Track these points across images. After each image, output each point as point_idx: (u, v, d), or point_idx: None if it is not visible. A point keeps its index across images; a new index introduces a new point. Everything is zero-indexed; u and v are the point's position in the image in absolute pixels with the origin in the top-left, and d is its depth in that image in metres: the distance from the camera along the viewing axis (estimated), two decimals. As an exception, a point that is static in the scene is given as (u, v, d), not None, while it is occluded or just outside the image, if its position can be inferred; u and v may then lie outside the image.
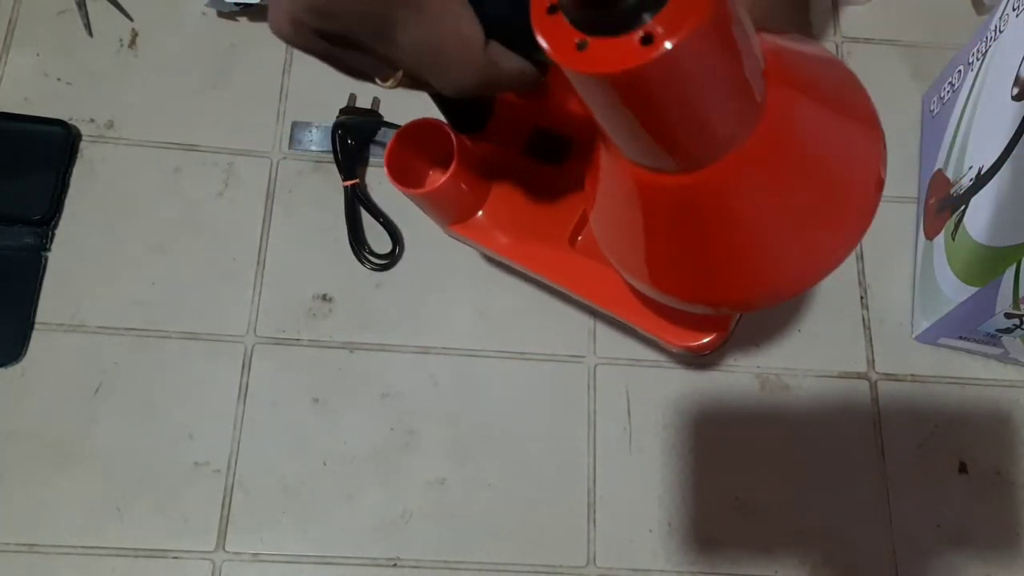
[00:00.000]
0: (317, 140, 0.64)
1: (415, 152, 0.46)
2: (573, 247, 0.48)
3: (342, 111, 0.64)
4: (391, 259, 0.61)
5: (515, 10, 0.28)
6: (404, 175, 0.46)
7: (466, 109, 0.41)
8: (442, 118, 0.41)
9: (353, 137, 0.63)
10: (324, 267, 0.61)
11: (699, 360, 0.60)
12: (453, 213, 0.47)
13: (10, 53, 0.65)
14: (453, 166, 0.44)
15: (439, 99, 0.39)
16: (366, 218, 0.62)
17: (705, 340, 0.48)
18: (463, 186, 0.45)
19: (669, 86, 0.25)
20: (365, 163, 0.64)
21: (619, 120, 0.28)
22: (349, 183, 0.61)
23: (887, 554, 0.57)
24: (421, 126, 0.45)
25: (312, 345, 0.59)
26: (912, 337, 0.63)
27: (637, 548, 0.56)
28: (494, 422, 0.58)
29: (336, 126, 0.63)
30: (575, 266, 0.47)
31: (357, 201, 0.61)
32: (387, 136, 0.64)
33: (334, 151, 0.62)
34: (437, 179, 0.45)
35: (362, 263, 0.60)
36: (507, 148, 0.46)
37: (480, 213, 0.49)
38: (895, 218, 0.66)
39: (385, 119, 0.64)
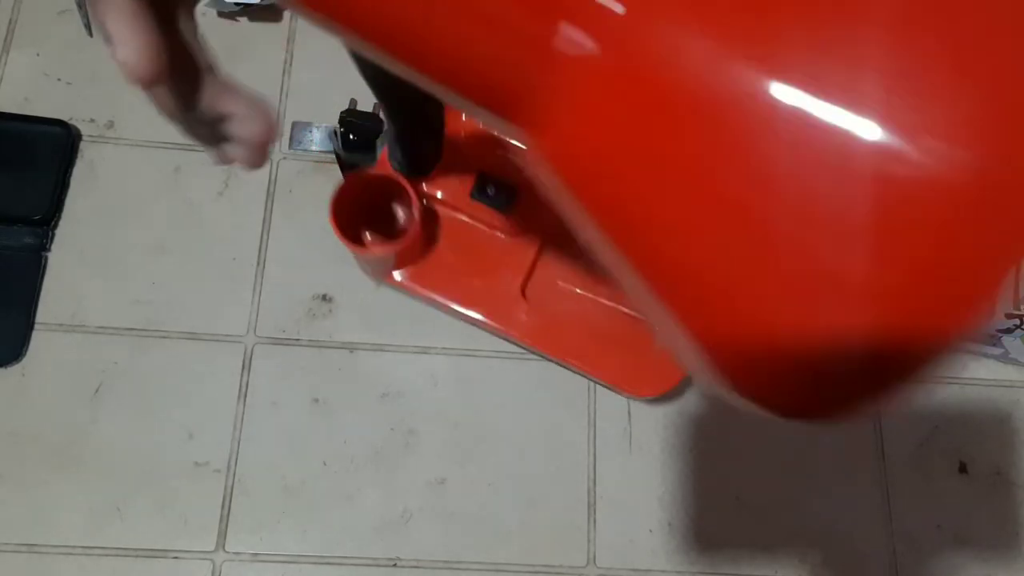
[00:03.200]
0: (317, 140, 0.64)
1: (356, 205, 0.45)
2: (525, 298, 0.46)
3: (344, 114, 0.63)
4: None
5: None
6: (350, 229, 0.44)
7: (415, 152, 0.40)
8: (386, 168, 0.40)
9: (357, 138, 0.63)
10: (324, 267, 0.61)
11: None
12: (401, 261, 0.45)
13: (10, 53, 0.65)
14: (416, 220, 0.42)
15: (400, 140, 0.39)
16: (366, 218, 0.62)
17: (664, 390, 0.46)
18: (417, 238, 0.44)
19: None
20: (370, 165, 0.64)
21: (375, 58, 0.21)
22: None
23: (887, 554, 0.57)
24: (364, 178, 0.43)
25: (312, 345, 0.59)
26: (912, 337, 0.63)
27: (637, 548, 0.56)
28: (494, 422, 0.58)
29: (340, 127, 0.63)
30: (528, 317, 0.46)
31: None
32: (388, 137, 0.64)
33: (337, 154, 0.62)
34: (385, 235, 0.43)
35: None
36: (453, 194, 0.45)
37: (425, 261, 0.46)
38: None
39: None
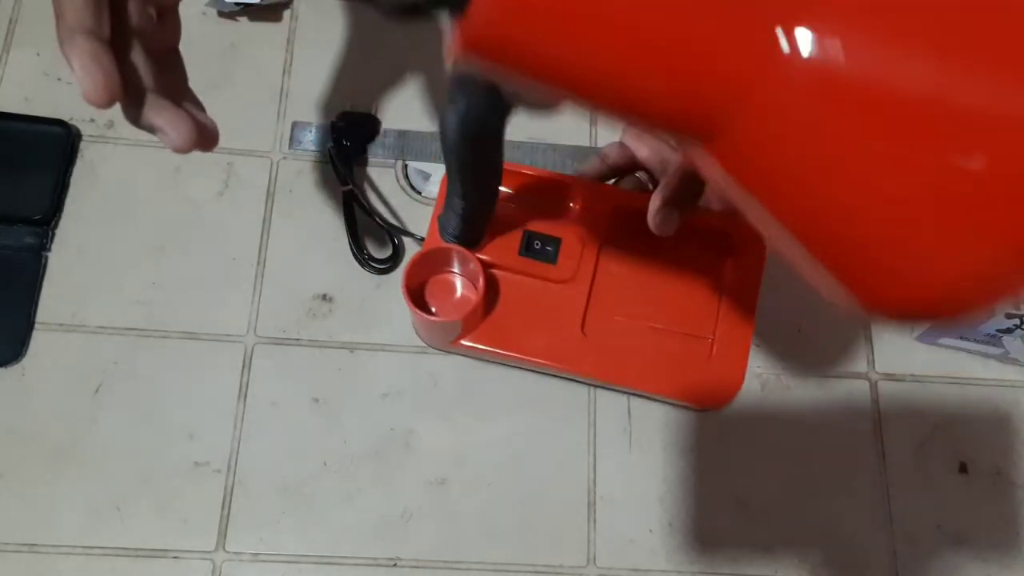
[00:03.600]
0: (317, 140, 0.64)
1: (424, 273, 0.48)
2: (585, 336, 0.49)
3: (338, 116, 0.64)
4: (392, 262, 0.61)
5: None
6: (416, 295, 0.47)
7: (478, 226, 0.45)
8: (439, 242, 0.46)
9: (350, 141, 0.63)
10: (324, 267, 0.61)
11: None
12: (467, 327, 0.48)
13: (10, 53, 0.65)
14: (481, 286, 0.45)
15: (468, 218, 0.44)
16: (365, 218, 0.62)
17: (728, 400, 0.50)
18: (483, 303, 0.47)
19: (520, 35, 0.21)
20: (364, 165, 0.64)
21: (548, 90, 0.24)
22: (346, 188, 0.61)
23: (887, 554, 0.57)
24: (437, 251, 0.46)
25: (312, 345, 0.59)
26: (913, 337, 0.63)
27: (637, 548, 0.56)
28: (494, 422, 0.58)
29: (333, 131, 0.63)
30: (592, 353, 0.49)
31: (356, 206, 0.61)
32: (387, 139, 0.64)
33: (330, 157, 0.62)
34: (454, 296, 0.48)
35: (363, 267, 0.60)
36: (502, 256, 0.48)
37: (486, 322, 0.50)
38: (895, 218, 0.66)
39: (382, 123, 0.64)
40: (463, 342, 0.50)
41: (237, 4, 0.66)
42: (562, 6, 0.21)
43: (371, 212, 0.61)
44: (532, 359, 0.50)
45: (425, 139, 0.64)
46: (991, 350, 0.60)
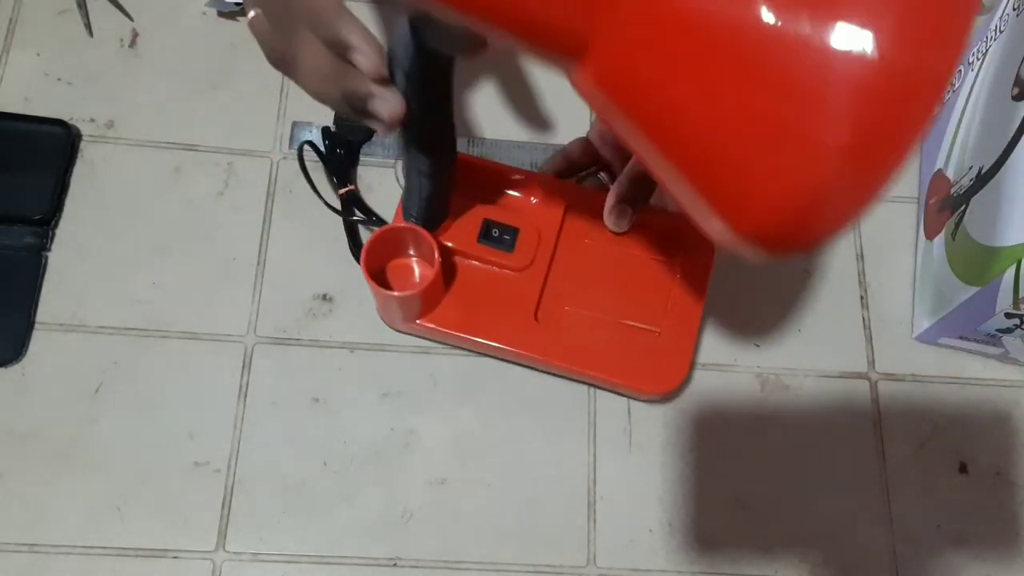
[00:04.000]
0: (318, 140, 0.64)
1: (384, 256, 0.50)
2: (538, 322, 0.52)
3: (329, 128, 0.63)
4: None
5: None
6: (377, 278, 0.48)
7: (437, 208, 0.48)
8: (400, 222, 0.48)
9: (343, 146, 0.63)
10: (324, 267, 0.61)
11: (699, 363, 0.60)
12: (425, 307, 0.50)
13: (10, 53, 0.65)
14: (437, 263, 0.47)
15: (428, 199, 0.46)
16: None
17: (668, 389, 0.53)
18: (440, 280, 0.49)
19: None
20: (356, 164, 0.64)
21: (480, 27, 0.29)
22: (344, 191, 0.61)
23: (887, 554, 0.57)
24: (391, 231, 0.48)
25: (312, 345, 0.59)
26: (912, 337, 0.63)
27: (637, 548, 0.56)
28: (494, 422, 0.58)
29: (325, 140, 0.63)
30: (543, 339, 0.51)
31: (355, 207, 0.61)
32: (385, 138, 0.64)
33: (324, 161, 0.62)
34: (413, 278, 0.50)
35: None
36: (462, 242, 0.50)
37: (442, 304, 0.52)
38: (895, 218, 0.66)
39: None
40: (420, 322, 0.51)
41: (237, 4, 0.66)
42: None
43: (369, 212, 0.61)
44: (486, 341, 0.52)
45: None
46: (991, 350, 0.60)
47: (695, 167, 0.27)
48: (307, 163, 0.63)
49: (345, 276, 0.61)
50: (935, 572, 0.57)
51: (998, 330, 0.56)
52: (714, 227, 0.28)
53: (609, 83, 0.27)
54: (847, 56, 0.24)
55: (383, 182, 0.63)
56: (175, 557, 0.53)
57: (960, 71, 0.64)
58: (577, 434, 0.58)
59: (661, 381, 0.54)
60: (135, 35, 0.66)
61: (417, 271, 0.51)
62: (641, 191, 0.51)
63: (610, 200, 0.51)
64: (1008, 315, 0.54)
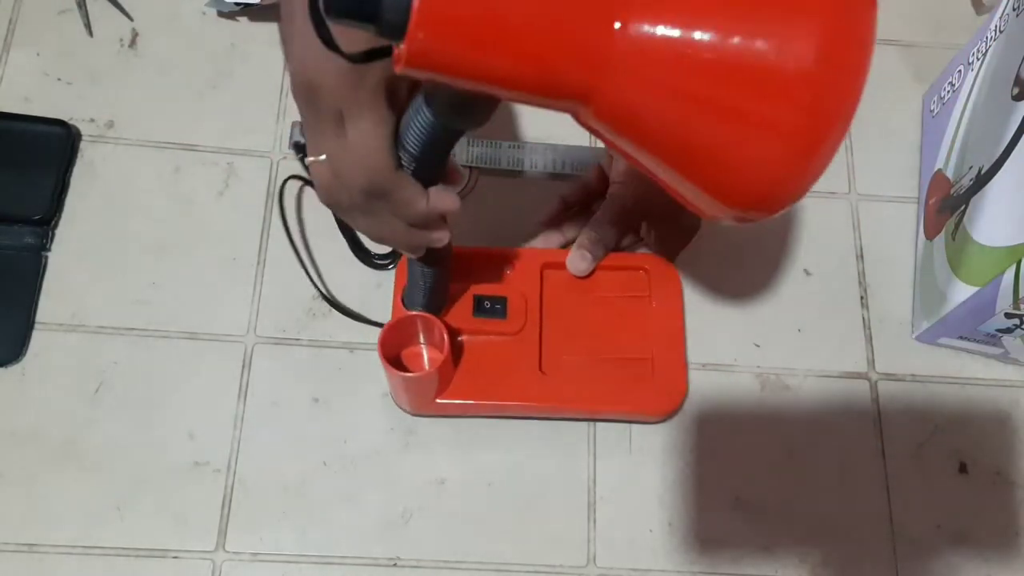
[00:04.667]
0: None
1: (397, 345, 0.54)
2: (545, 374, 0.56)
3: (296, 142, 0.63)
4: (392, 258, 0.61)
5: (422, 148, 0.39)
6: (395, 364, 0.52)
7: (442, 296, 0.53)
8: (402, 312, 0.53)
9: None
10: (324, 267, 0.61)
11: (699, 362, 0.60)
12: (441, 387, 0.54)
13: (10, 53, 0.65)
14: (447, 344, 0.51)
15: (433, 290, 0.51)
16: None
17: (676, 403, 0.57)
18: (450, 359, 0.53)
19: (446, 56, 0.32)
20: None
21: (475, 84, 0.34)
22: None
23: (887, 554, 0.57)
24: (404, 320, 0.52)
25: (312, 345, 0.59)
26: (912, 337, 0.63)
27: (637, 548, 0.56)
28: (494, 421, 0.58)
29: (296, 152, 0.63)
30: (555, 388, 0.55)
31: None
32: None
33: (307, 179, 0.62)
34: (423, 360, 0.54)
35: (365, 264, 0.61)
36: (458, 319, 0.55)
37: (455, 381, 0.55)
38: (895, 218, 0.66)
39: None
40: (439, 401, 0.55)
41: (237, 4, 0.66)
42: (468, 33, 0.31)
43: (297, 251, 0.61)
44: (504, 403, 0.56)
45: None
46: (991, 350, 0.60)
47: (689, 167, 0.35)
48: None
49: (345, 276, 0.61)
50: (935, 572, 0.57)
51: (998, 330, 0.56)
52: (709, 206, 0.36)
53: (610, 117, 0.34)
54: (786, 63, 0.31)
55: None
56: (175, 557, 0.53)
57: (960, 71, 0.64)
58: (577, 434, 0.58)
59: (664, 402, 0.57)
60: (135, 35, 0.66)
61: (427, 357, 0.55)
62: (603, 239, 0.58)
63: (574, 247, 0.58)
64: (1008, 315, 0.54)
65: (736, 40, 0.31)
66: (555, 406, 0.56)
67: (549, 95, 0.34)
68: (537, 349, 0.56)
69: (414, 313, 0.52)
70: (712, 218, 0.37)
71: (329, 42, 0.33)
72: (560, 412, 0.57)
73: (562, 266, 0.58)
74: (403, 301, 0.55)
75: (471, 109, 0.37)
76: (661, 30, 0.31)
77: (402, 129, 0.40)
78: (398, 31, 0.31)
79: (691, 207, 0.37)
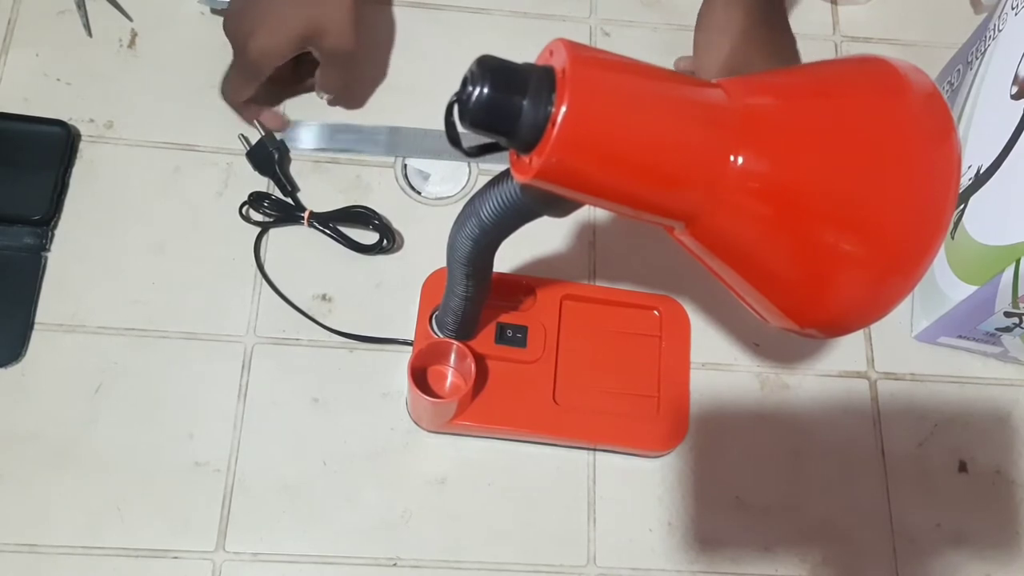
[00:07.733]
0: (311, 138, 0.64)
1: (426, 363, 0.56)
2: (557, 404, 0.57)
3: (250, 154, 0.63)
4: (387, 239, 0.61)
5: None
6: (419, 383, 0.54)
7: (473, 322, 0.54)
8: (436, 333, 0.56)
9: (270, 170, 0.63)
10: (324, 267, 0.61)
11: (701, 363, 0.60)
12: (459, 409, 0.55)
13: (10, 53, 0.65)
14: (472, 371, 0.53)
15: (467, 316, 0.52)
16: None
17: (678, 442, 0.58)
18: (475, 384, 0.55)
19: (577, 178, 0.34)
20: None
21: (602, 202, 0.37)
22: (306, 216, 0.61)
23: (887, 554, 0.57)
24: (439, 344, 0.54)
25: (312, 345, 0.59)
26: (912, 336, 0.63)
27: (637, 548, 0.56)
28: (494, 422, 0.58)
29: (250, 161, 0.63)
30: (565, 419, 0.57)
31: (329, 221, 0.61)
32: (378, 135, 0.64)
33: (284, 192, 0.62)
34: (446, 385, 0.57)
35: (366, 254, 0.61)
36: (482, 346, 0.56)
37: (473, 404, 0.56)
38: (895, 217, 0.66)
39: (372, 119, 0.64)
40: (456, 422, 0.55)
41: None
42: (602, 157, 0.33)
43: (343, 217, 0.61)
44: (517, 430, 0.57)
45: (417, 135, 0.64)
46: (990, 349, 0.60)
47: (770, 287, 0.38)
48: (310, 161, 0.63)
49: (345, 276, 0.61)
50: (935, 571, 0.57)
51: (997, 329, 0.57)
52: (776, 318, 0.39)
53: (708, 238, 0.36)
54: (883, 209, 0.34)
55: (382, 182, 0.63)
56: (175, 557, 0.53)
57: (959, 70, 0.64)
58: (577, 434, 0.58)
59: (667, 440, 0.58)
60: (134, 35, 0.66)
61: (450, 379, 0.57)
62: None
63: None
64: (1007, 314, 0.54)
65: (840, 187, 0.34)
66: (565, 437, 0.57)
67: (656, 213, 0.36)
68: (552, 379, 0.57)
69: (448, 340, 0.54)
70: (780, 329, 0.40)
71: (456, 143, 0.35)
72: (568, 442, 0.58)
73: (581, 299, 0.60)
74: (432, 323, 0.56)
75: (565, 205, 0.39)
76: (773, 168, 0.34)
77: (477, 196, 0.41)
78: (529, 148, 0.32)
79: (752, 310, 0.40)
